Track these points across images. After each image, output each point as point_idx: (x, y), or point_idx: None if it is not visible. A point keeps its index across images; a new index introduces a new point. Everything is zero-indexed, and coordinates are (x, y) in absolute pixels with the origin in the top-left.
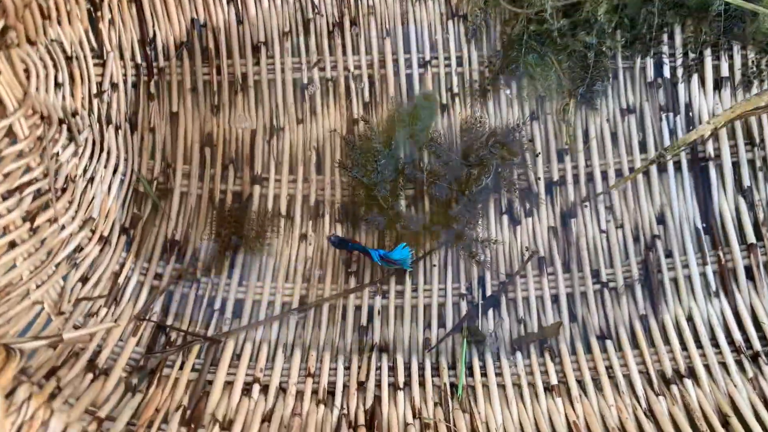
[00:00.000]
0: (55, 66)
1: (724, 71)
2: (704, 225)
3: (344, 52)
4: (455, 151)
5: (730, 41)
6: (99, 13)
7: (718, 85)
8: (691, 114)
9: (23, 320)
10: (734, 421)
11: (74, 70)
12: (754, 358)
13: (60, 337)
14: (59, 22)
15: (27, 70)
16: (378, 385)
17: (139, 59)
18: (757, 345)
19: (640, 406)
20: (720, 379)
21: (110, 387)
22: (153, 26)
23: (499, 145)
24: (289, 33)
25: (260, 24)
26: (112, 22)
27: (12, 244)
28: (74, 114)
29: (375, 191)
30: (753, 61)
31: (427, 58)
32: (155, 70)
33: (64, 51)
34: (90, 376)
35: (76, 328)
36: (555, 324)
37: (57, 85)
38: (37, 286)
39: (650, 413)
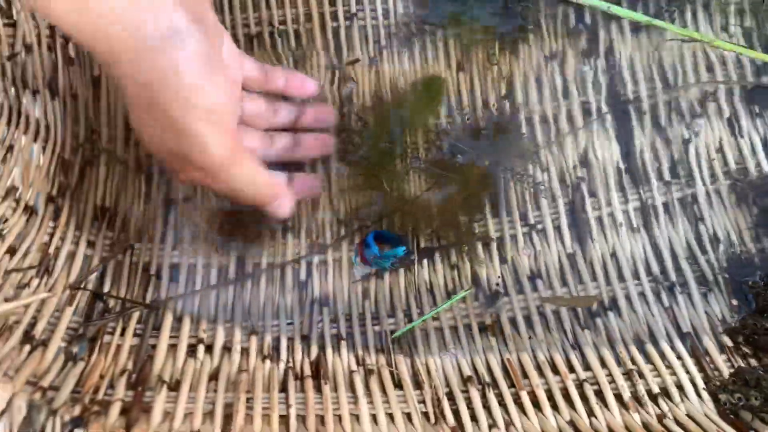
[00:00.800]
0: None
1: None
2: (626, 165)
3: (268, 6)
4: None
5: None
6: None
7: (636, 30)
8: (611, 58)
9: None
10: (649, 347)
11: None
12: (671, 288)
13: None
14: None
15: None
16: (321, 337)
17: None
18: (672, 276)
19: (567, 339)
20: (639, 310)
21: (50, 357)
22: None
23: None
24: None
25: None
26: None
27: None
28: None
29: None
30: (663, 7)
31: (353, 10)
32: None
33: None
34: (27, 347)
35: (7, 301)
36: (591, 297)
37: None
38: None
39: (576, 345)
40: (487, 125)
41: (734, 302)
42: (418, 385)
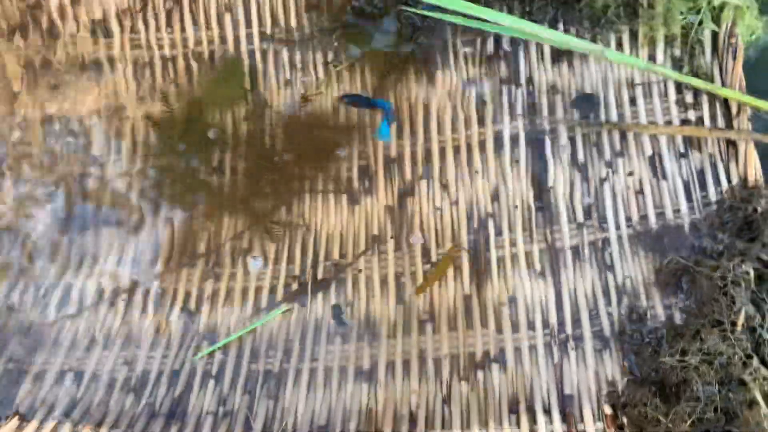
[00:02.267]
0: None
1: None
2: (538, 202)
3: (183, 29)
4: None
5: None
6: None
7: (556, 58)
8: (531, 87)
9: None
10: (521, 407)
11: None
12: (565, 342)
13: None
14: None
15: None
16: None
17: None
18: (569, 329)
19: (441, 392)
20: (526, 364)
21: None
22: None
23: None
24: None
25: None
26: None
27: None
28: None
29: None
30: (585, 37)
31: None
32: None
33: None
34: None
35: None
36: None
37: None
38: None
39: (447, 399)
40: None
41: (625, 363)
42: None
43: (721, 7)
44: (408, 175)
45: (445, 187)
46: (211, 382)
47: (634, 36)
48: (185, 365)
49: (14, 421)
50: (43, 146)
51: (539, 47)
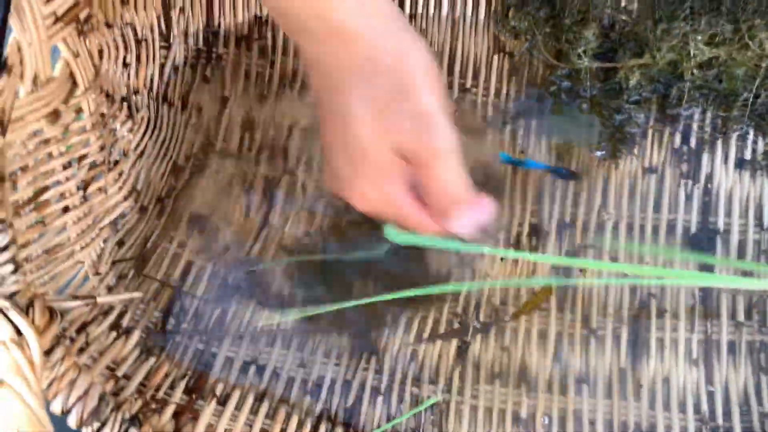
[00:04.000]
0: (126, 48)
1: (747, 155)
2: (701, 295)
3: None
4: None
5: (753, 129)
6: (171, 1)
7: (739, 165)
8: (709, 186)
9: (64, 278)
10: None
11: (141, 52)
12: (714, 430)
13: (94, 300)
14: (135, 8)
15: (101, 51)
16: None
17: (201, 44)
18: (719, 419)
19: None
20: None
21: (130, 346)
22: (219, 17)
23: None
24: None
25: None
26: (182, 10)
27: (65, 209)
28: (136, 92)
29: None
30: None
31: (468, 85)
32: (214, 56)
33: (135, 34)
34: (114, 334)
35: (109, 288)
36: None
37: (125, 65)
38: (82, 248)
39: None
40: None
41: None
42: None
43: None
44: (578, 243)
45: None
46: (380, 399)
47: None
48: (357, 376)
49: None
50: None
51: (725, 151)
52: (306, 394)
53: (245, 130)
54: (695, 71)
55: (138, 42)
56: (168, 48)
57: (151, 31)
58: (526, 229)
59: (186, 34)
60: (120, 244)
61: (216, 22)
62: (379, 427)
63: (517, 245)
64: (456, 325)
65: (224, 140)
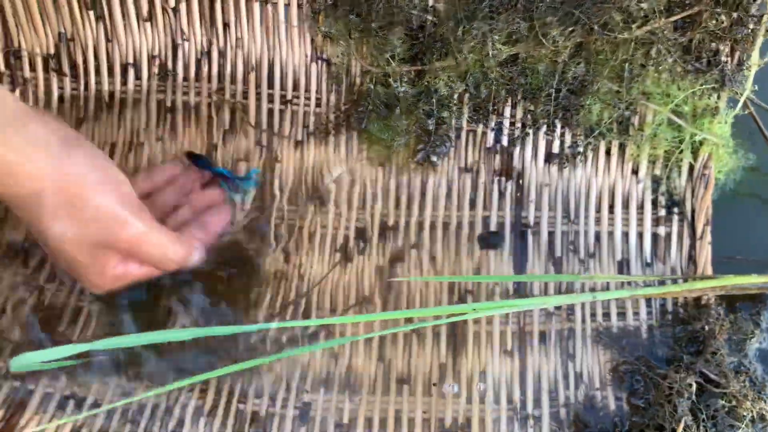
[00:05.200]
0: None
1: (555, 148)
2: (515, 286)
3: (209, 80)
4: None
5: (559, 122)
6: None
7: (548, 159)
8: (521, 181)
9: None
10: None
11: None
12: (525, 419)
13: None
14: None
15: None
16: None
17: (2, 68)
18: (530, 407)
19: None
20: None
21: None
22: (18, 36)
23: None
24: (157, 56)
25: (129, 44)
26: None
27: None
28: None
29: None
30: (578, 143)
31: (289, 96)
32: (20, 80)
33: None
34: None
35: None
36: None
37: None
38: None
39: None
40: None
41: None
42: None
43: (701, 142)
44: (400, 243)
45: (433, 259)
46: (202, 420)
47: (622, 149)
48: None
49: None
50: None
51: (534, 146)
52: (126, 422)
53: None
54: (498, 69)
55: None
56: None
57: None
58: (352, 233)
59: None
60: None
61: (15, 42)
62: None
63: (345, 251)
64: (284, 340)
65: None
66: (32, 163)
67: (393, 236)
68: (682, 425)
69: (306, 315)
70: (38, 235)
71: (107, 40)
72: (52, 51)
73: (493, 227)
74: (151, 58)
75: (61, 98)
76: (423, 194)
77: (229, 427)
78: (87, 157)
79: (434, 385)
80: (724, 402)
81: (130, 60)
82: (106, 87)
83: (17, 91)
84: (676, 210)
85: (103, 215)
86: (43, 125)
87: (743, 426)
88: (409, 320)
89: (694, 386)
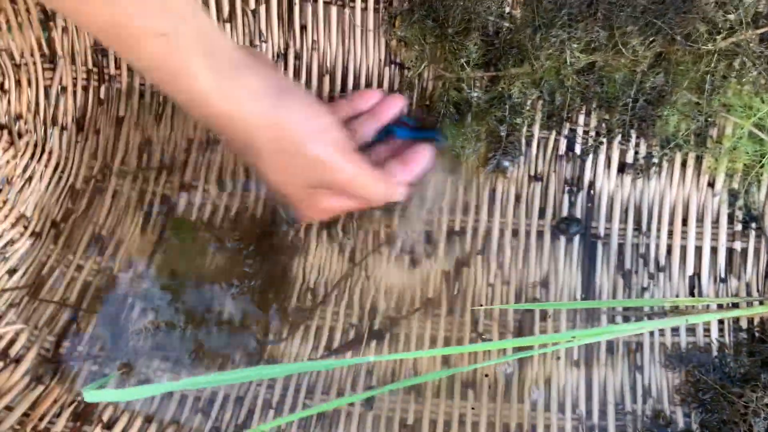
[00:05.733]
0: (2, 74)
1: (629, 158)
2: (583, 296)
3: None
4: None
5: (634, 132)
6: (52, 22)
7: (621, 169)
8: (592, 192)
9: None
10: None
11: (22, 76)
12: (590, 429)
13: None
14: (9, 32)
15: None
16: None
17: (90, 65)
18: (595, 418)
19: None
20: None
21: (17, 377)
22: None
23: None
24: None
25: None
26: (65, 30)
27: None
28: (18, 118)
29: None
30: (653, 153)
31: None
32: (106, 77)
33: (12, 59)
34: (0, 364)
35: None
36: None
37: (3, 91)
38: None
39: None
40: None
41: None
42: None
43: None
44: (467, 249)
45: (500, 266)
46: (271, 413)
47: (698, 161)
48: (249, 392)
49: None
50: None
51: (608, 157)
52: (197, 412)
53: (143, 149)
54: (574, 77)
55: (16, 66)
56: (53, 69)
57: (31, 54)
58: (421, 237)
59: (72, 54)
60: (11, 272)
61: None
62: None
63: (411, 253)
64: (351, 336)
65: (122, 161)
66: (248, 114)
67: (460, 241)
68: None
69: (372, 316)
70: (255, 172)
71: None
72: None
73: (563, 236)
74: None
75: (141, 94)
76: (492, 200)
77: (295, 423)
78: (299, 105)
79: (486, 376)
80: None
81: None
82: None
83: (103, 88)
84: (753, 225)
85: (317, 162)
86: (258, 75)
87: None
88: (473, 324)
89: None
